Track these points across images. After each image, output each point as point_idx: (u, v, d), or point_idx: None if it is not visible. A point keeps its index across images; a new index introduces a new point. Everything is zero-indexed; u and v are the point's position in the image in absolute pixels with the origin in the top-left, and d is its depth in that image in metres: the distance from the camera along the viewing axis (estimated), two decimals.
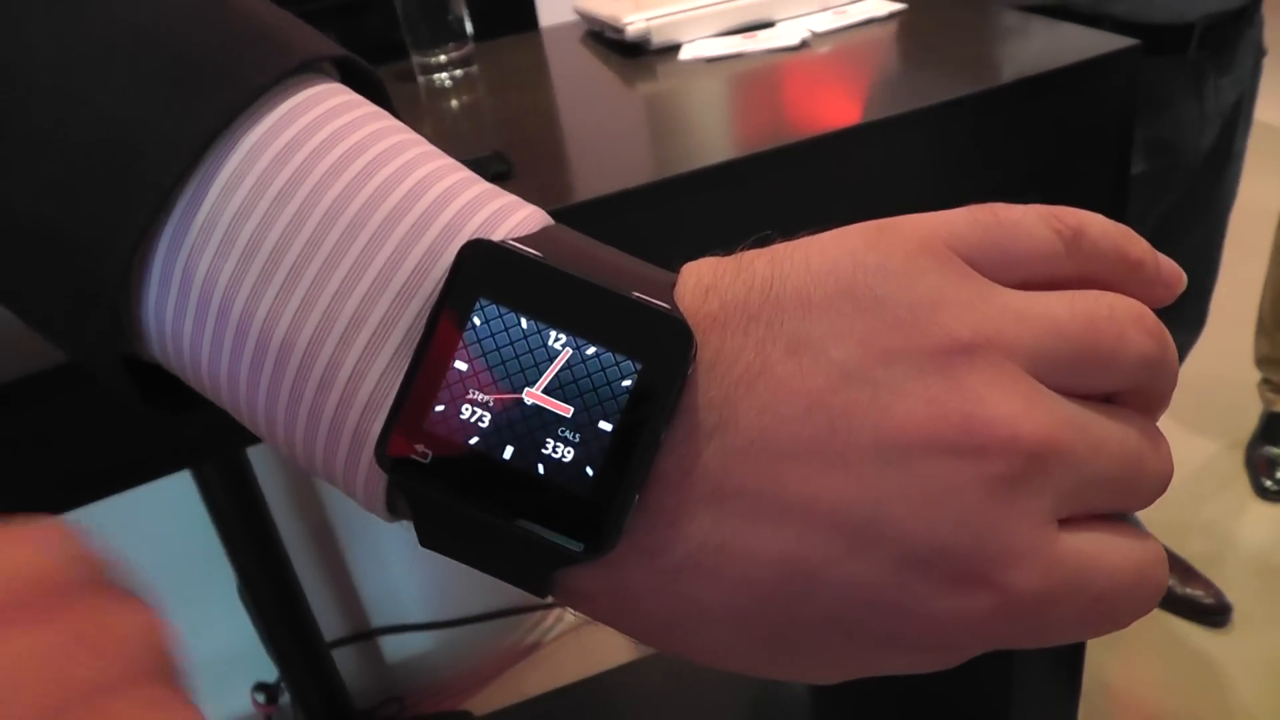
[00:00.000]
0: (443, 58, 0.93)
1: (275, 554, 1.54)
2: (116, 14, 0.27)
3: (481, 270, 0.26)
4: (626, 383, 0.26)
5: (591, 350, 0.26)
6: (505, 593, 1.88)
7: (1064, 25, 0.77)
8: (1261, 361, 2.16)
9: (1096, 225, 0.28)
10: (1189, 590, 1.83)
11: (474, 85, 0.93)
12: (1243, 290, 2.24)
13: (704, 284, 0.27)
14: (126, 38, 0.27)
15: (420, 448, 0.26)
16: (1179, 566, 1.86)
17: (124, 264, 0.27)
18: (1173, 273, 0.30)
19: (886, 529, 0.25)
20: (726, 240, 0.30)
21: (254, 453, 1.51)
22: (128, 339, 0.30)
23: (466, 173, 0.29)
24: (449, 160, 0.29)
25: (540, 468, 0.26)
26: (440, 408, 0.26)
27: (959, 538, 0.25)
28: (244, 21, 0.29)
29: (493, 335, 0.26)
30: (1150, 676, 1.75)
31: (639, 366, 0.26)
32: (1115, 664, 1.76)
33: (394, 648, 1.83)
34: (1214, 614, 1.80)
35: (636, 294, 0.26)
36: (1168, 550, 1.87)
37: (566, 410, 0.26)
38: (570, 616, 1.98)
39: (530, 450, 0.26)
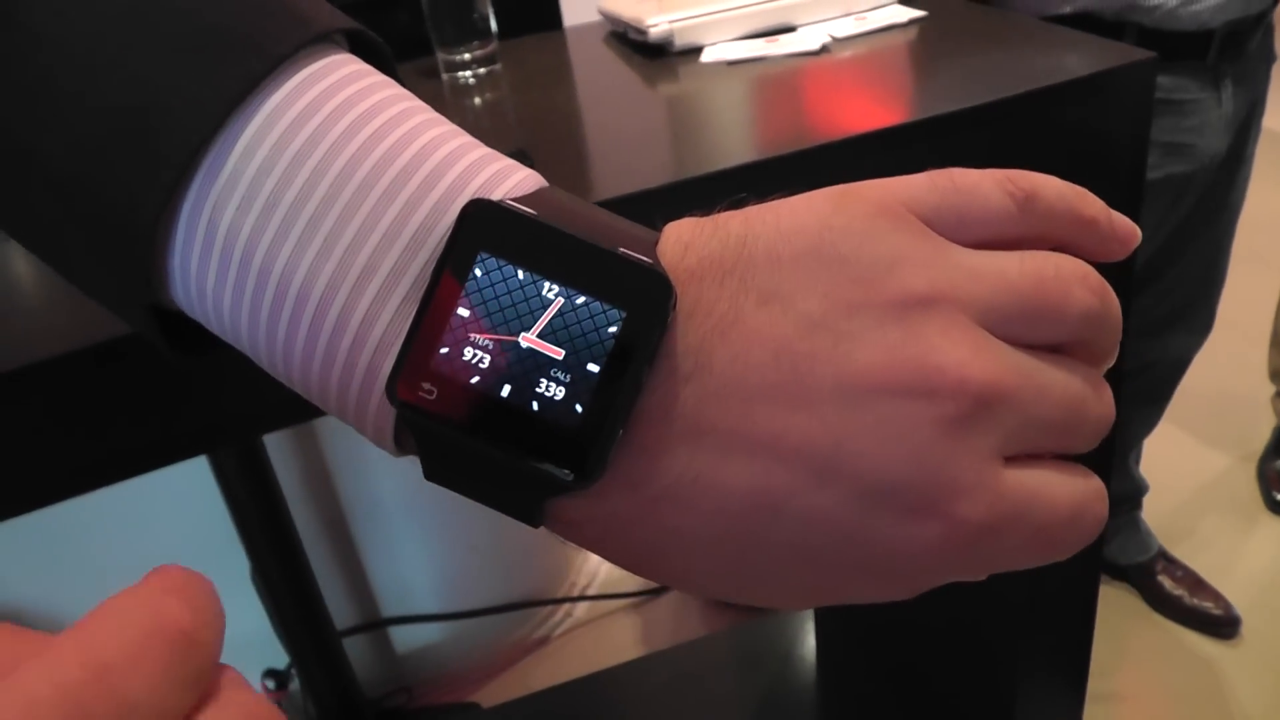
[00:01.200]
0: (467, 55, 0.94)
1: (288, 542, 1.55)
2: None
3: (482, 226, 0.28)
4: (612, 329, 0.28)
5: (581, 300, 0.28)
6: (516, 586, 1.89)
7: (1081, 36, 0.78)
8: (1275, 375, 2.15)
9: (1051, 188, 0.31)
10: (1198, 601, 1.83)
11: (497, 83, 0.93)
12: (1256, 303, 2.24)
13: (683, 241, 0.29)
14: (153, 8, 0.29)
15: (426, 386, 0.28)
16: (1189, 578, 1.86)
17: (152, 220, 0.29)
18: (1126, 229, 0.32)
19: (846, 464, 0.27)
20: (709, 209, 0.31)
21: (270, 441, 1.52)
22: (154, 287, 0.31)
23: (468, 138, 0.31)
24: (452, 126, 0.31)
25: (534, 405, 0.28)
26: (444, 350, 0.28)
27: (912, 472, 0.27)
28: None
29: (492, 285, 0.28)
30: (1157, 687, 1.75)
31: (624, 315, 0.28)
32: (1122, 673, 1.76)
33: (404, 638, 1.84)
34: (1223, 625, 1.80)
35: (622, 249, 0.28)
36: (1178, 561, 1.87)
37: (558, 353, 0.28)
38: (580, 612, 1.98)
39: (526, 389, 0.28)
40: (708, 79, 0.85)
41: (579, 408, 0.28)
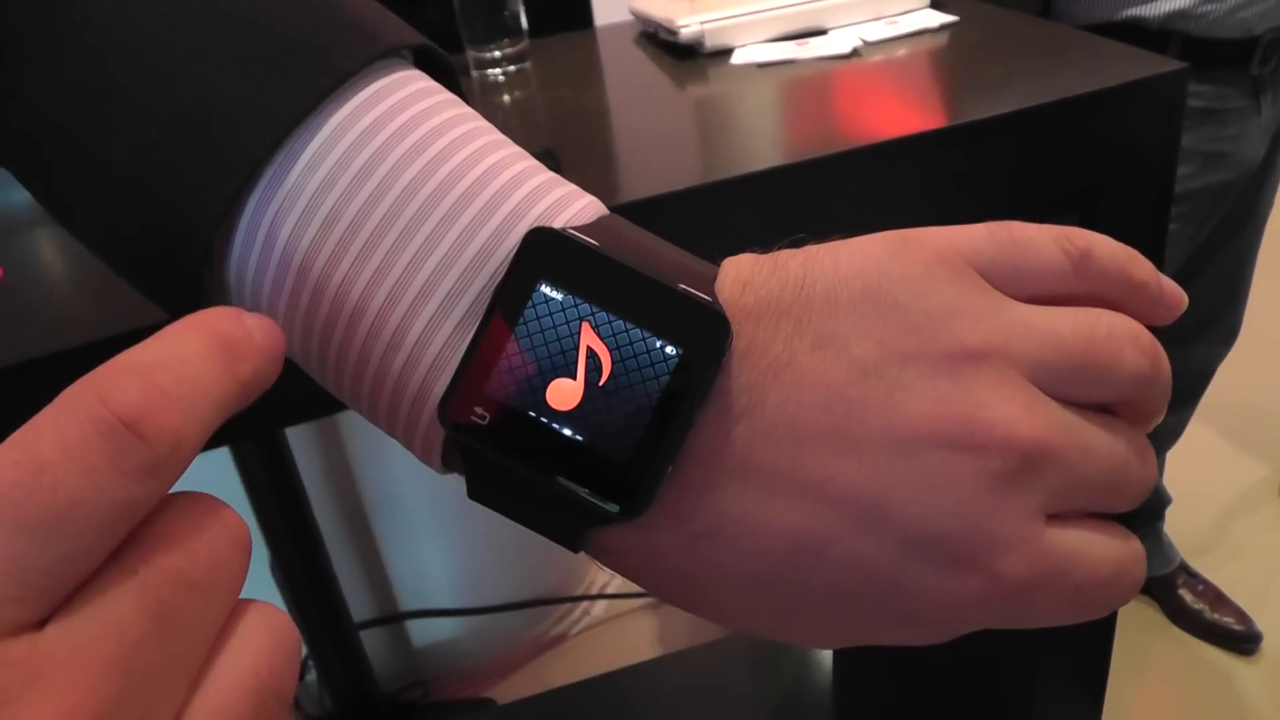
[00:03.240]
0: (497, 53, 0.94)
1: (308, 533, 1.56)
2: None
3: (543, 255, 0.28)
4: (668, 365, 0.28)
5: (638, 334, 0.28)
6: (534, 583, 1.89)
7: (1113, 44, 0.77)
8: None
9: (1104, 248, 0.31)
10: (1218, 616, 1.81)
11: (527, 81, 0.94)
12: None
13: (742, 279, 0.30)
14: (224, 19, 0.29)
15: (479, 410, 0.28)
16: (1210, 592, 1.85)
17: (212, 227, 0.29)
18: (1174, 294, 0.32)
19: (891, 512, 0.27)
20: (767, 245, 0.31)
21: (292, 434, 1.53)
22: (209, 292, 0.32)
23: (532, 161, 0.31)
24: (516, 149, 0.31)
25: (584, 436, 0.28)
26: (498, 376, 0.28)
27: (955, 524, 0.27)
28: (335, 8, 0.31)
29: (550, 314, 0.28)
30: (1176, 701, 1.74)
31: (680, 351, 0.28)
32: (1141, 687, 1.75)
33: (421, 632, 1.85)
34: (1243, 641, 1.79)
35: (682, 286, 0.28)
36: (1200, 575, 1.86)
37: (612, 385, 0.28)
38: (597, 610, 1.99)
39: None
40: (737, 81, 0.85)
41: (631, 443, 0.28)
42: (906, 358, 0.28)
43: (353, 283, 0.29)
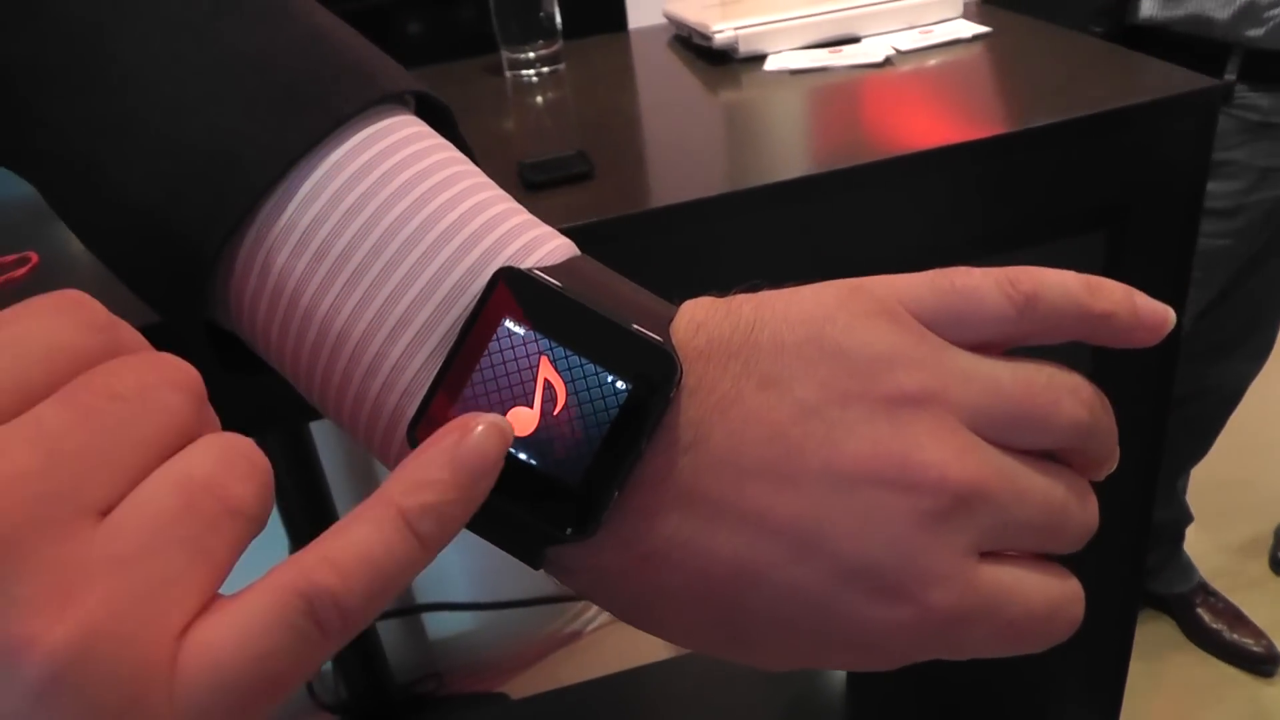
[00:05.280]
0: (531, 54, 0.95)
1: (330, 525, 1.56)
2: (229, 41, 0.33)
3: (509, 294, 0.30)
4: (619, 400, 0.30)
5: (593, 369, 0.30)
6: (549, 580, 1.89)
7: (1147, 59, 0.77)
8: None
9: (1054, 289, 0.32)
10: (1237, 636, 1.80)
11: (561, 83, 0.94)
12: None
13: (696, 321, 0.32)
14: (236, 62, 0.32)
15: None
16: (1229, 612, 1.84)
17: (213, 255, 0.32)
18: (1154, 317, 0.32)
19: (826, 543, 0.29)
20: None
21: (315, 427, 1.54)
22: (210, 309, 0.35)
23: (511, 204, 0.34)
24: (498, 191, 0.34)
25: (538, 461, 0.30)
26: (464, 403, 0.31)
27: (887, 557, 0.29)
28: (336, 55, 0.34)
29: (513, 348, 0.30)
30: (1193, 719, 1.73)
31: (630, 386, 0.30)
32: (1156, 704, 1.74)
33: (437, 625, 1.86)
34: (1262, 663, 1.78)
35: (636, 326, 0.30)
36: (1219, 594, 1.85)
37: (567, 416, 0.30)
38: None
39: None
40: (769, 88, 0.86)
41: (581, 469, 0.30)
42: (848, 400, 0.29)
43: (338, 311, 0.31)
